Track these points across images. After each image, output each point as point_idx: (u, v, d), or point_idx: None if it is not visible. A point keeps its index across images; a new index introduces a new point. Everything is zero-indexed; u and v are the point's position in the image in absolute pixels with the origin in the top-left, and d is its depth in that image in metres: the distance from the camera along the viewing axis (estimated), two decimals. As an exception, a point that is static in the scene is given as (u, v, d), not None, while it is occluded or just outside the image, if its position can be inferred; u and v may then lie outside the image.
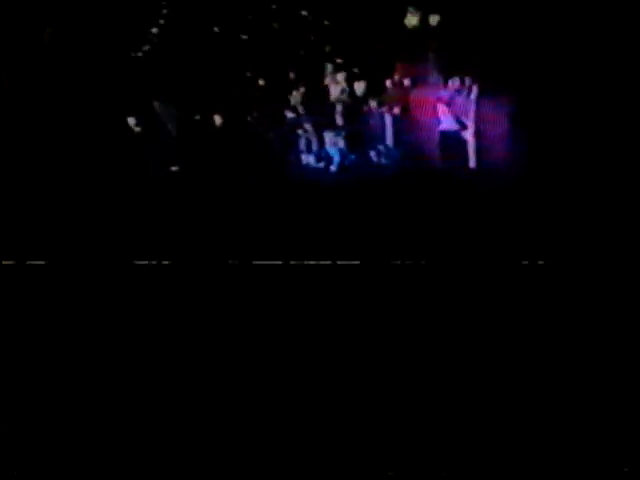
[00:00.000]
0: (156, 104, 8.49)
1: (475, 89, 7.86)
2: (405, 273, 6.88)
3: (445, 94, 7.94)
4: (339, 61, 8.30)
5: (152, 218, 7.64)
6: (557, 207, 7.07)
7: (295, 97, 8.37)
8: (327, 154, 8.26)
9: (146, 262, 7.19)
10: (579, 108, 7.38)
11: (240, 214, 7.71)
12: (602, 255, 6.62)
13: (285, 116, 8.37)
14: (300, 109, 8.37)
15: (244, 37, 8.30)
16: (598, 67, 7.37)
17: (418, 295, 6.55)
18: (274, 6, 8.25)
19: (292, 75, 8.38)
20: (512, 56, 7.60)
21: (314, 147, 8.32)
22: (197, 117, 8.46)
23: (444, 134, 7.97)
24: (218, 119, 8.40)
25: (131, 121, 8.39)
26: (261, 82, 8.38)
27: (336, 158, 8.23)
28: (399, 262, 6.99)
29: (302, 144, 8.36)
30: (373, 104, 8.19)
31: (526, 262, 6.73)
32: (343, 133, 8.23)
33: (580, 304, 6.20)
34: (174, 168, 8.31)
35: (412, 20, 8.00)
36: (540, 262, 6.72)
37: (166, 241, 7.44)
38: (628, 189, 7.10)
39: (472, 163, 7.89)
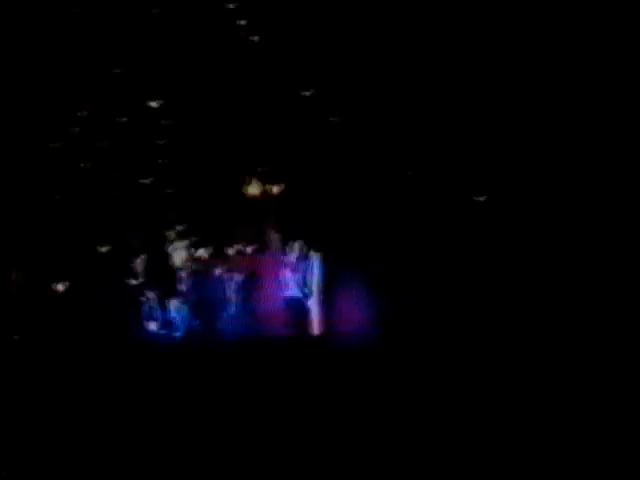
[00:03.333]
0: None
1: (317, 256, 7.97)
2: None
3: (288, 261, 8.03)
4: (180, 228, 8.30)
5: None
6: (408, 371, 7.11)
7: (137, 264, 8.29)
8: (172, 320, 8.16)
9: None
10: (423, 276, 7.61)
11: (90, 384, 7.45)
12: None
13: (127, 284, 8.26)
14: (143, 275, 8.28)
15: (84, 207, 8.22)
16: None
17: None
18: (117, 174, 8.23)
19: (134, 241, 8.30)
20: (353, 226, 7.81)
21: (158, 313, 8.20)
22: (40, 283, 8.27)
23: (288, 301, 8.02)
24: (61, 287, 8.21)
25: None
26: (103, 249, 8.26)
27: (181, 324, 8.13)
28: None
29: (146, 310, 8.23)
30: (217, 271, 8.18)
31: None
32: (188, 300, 8.17)
33: None
34: (16, 337, 8.05)
35: (253, 188, 8.13)
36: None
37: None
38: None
39: (316, 330, 7.93)
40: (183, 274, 8.26)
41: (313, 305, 7.94)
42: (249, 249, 8.22)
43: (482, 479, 5.15)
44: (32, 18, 8.12)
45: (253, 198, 8.17)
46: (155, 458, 6.75)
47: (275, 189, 8.08)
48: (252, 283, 8.15)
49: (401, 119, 7.83)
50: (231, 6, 7.87)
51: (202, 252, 8.26)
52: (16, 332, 8.06)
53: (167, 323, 8.17)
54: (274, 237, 8.15)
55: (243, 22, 7.89)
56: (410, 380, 7.09)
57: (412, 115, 7.84)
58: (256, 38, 7.93)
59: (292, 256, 8.02)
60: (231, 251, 8.22)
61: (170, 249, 8.34)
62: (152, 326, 8.17)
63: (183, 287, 8.24)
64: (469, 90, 7.65)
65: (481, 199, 7.61)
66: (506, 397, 6.32)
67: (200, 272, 8.26)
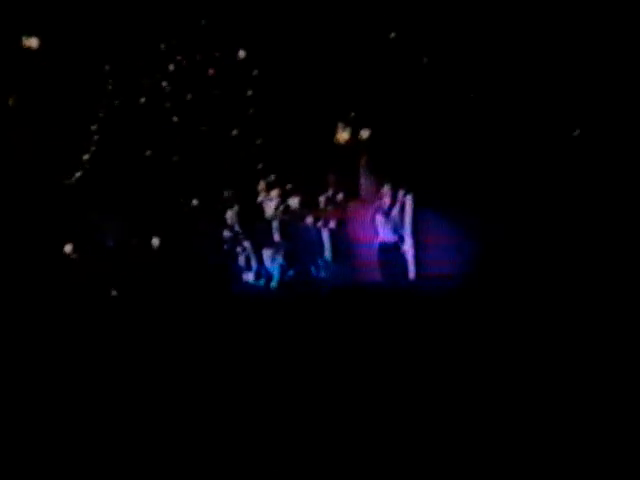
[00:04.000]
0: (96, 230, 8.44)
1: (410, 201, 7.88)
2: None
3: (381, 207, 7.96)
4: (272, 178, 8.32)
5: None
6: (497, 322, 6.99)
7: (231, 216, 8.35)
8: (267, 270, 8.20)
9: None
10: (510, 222, 7.46)
11: (187, 335, 7.55)
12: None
13: (223, 235, 8.33)
14: (236, 227, 8.34)
15: (175, 159, 8.30)
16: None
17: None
18: (203, 127, 8.28)
19: (226, 194, 8.36)
20: (445, 168, 7.69)
21: (253, 264, 8.25)
22: (135, 240, 8.39)
23: (382, 246, 7.96)
24: (156, 241, 8.33)
25: (68, 248, 8.31)
26: (195, 202, 8.35)
27: (276, 274, 8.16)
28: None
29: (241, 262, 8.29)
30: (309, 219, 8.18)
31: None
32: (282, 249, 8.19)
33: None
34: (114, 293, 8.18)
35: (343, 135, 8.06)
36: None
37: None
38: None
39: (411, 274, 7.86)
40: (276, 224, 8.28)
41: (408, 249, 7.88)
42: (341, 196, 8.20)
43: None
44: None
45: (343, 144, 8.12)
46: (249, 402, 6.81)
47: (365, 134, 8.01)
48: (345, 230, 8.13)
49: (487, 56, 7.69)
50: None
51: (294, 201, 8.26)
52: (114, 287, 8.19)
53: (262, 273, 8.21)
54: (366, 183, 8.11)
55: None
56: (503, 322, 6.99)
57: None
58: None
59: (384, 201, 7.96)
60: (323, 199, 8.20)
61: (262, 199, 8.36)
62: (248, 277, 8.22)
63: (277, 237, 8.28)
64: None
65: (575, 134, 7.43)
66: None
67: (293, 221, 8.27)
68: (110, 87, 8.32)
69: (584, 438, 4.95)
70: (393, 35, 7.80)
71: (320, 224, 8.16)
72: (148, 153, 8.41)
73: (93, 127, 8.40)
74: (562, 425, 5.15)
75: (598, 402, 5.31)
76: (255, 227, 8.32)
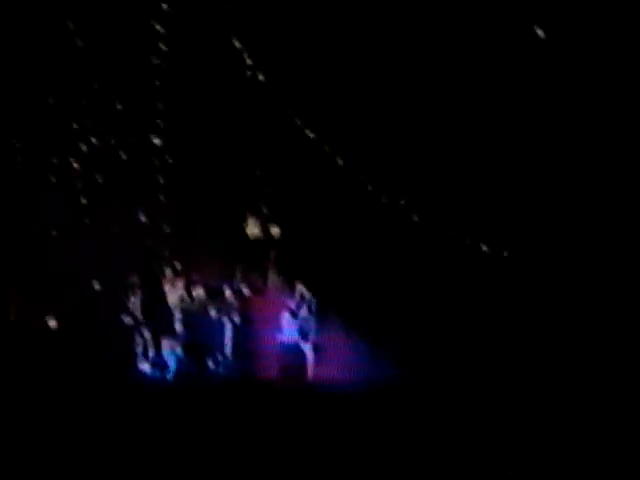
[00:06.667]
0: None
1: (315, 302, 7.82)
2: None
3: (288, 304, 7.87)
4: (178, 266, 8.19)
5: None
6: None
7: (132, 302, 8.14)
8: (164, 361, 7.97)
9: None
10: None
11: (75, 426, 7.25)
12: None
13: (122, 321, 8.10)
14: (137, 314, 8.12)
15: (80, 242, 8.13)
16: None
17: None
18: (111, 210, 8.17)
19: (130, 280, 8.18)
20: (352, 270, 7.68)
21: (151, 353, 8.02)
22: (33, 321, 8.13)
23: (284, 345, 7.84)
24: (53, 323, 8.06)
25: None
26: (97, 287, 8.14)
27: (172, 366, 7.93)
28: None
29: (139, 350, 8.05)
30: (213, 311, 8.01)
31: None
32: (181, 340, 7.99)
33: None
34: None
35: (254, 229, 8.02)
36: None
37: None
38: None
39: (310, 375, 7.74)
40: (178, 314, 8.10)
41: (308, 350, 7.77)
42: (247, 290, 8.09)
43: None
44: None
45: (254, 239, 8.07)
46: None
47: (276, 231, 7.98)
48: (248, 325, 7.99)
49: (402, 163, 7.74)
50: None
51: (199, 291, 8.11)
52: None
53: (159, 364, 7.97)
54: (274, 279, 8.04)
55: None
56: (401, 431, 6.89)
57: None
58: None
59: (291, 300, 7.87)
60: (229, 291, 8.07)
61: (167, 288, 8.20)
62: (144, 366, 7.96)
63: (178, 327, 8.08)
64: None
65: (485, 249, 7.46)
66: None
67: (196, 312, 8.10)
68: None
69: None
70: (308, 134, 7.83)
71: (223, 317, 8.00)
72: (54, 232, 8.24)
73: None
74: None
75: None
76: (157, 315, 8.12)
